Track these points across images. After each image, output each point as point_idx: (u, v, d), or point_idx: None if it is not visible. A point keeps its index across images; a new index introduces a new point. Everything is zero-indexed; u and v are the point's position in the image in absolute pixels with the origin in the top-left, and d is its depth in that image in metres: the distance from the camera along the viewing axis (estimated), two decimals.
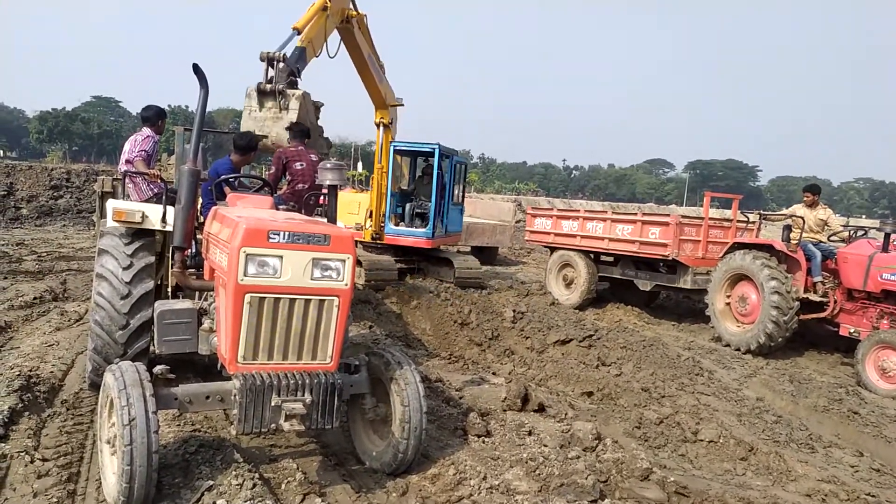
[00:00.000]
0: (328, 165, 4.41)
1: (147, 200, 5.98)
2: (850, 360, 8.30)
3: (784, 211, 10.20)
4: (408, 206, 12.06)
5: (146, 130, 6.48)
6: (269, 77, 7.36)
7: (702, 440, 5.30)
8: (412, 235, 11.39)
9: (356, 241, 11.09)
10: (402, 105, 11.20)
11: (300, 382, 3.60)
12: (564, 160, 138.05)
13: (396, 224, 11.52)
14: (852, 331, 8.38)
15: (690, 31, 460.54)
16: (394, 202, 11.48)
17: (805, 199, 9.43)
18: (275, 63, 7.35)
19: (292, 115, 7.21)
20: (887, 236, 8.48)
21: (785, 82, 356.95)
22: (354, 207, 11.98)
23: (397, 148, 11.40)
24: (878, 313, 8.16)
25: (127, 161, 6.28)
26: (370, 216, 11.33)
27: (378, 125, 10.69)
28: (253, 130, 6.90)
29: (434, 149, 11.28)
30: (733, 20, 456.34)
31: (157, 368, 3.62)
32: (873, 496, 4.55)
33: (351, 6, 9.09)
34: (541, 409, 5.56)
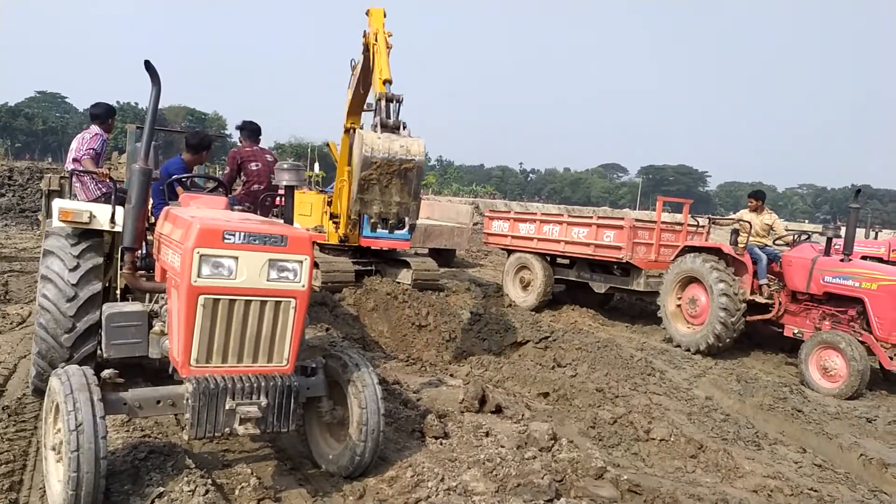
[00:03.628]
0: (285, 166, 4.37)
1: (95, 200, 5.81)
2: (793, 359, 8.59)
3: (732, 216, 10.50)
4: None
5: (95, 128, 6.31)
6: (388, 114, 7.07)
7: (654, 439, 5.41)
8: (390, 238, 11.47)
9: (315, 244, 11.03)
10: (372, 110, 11.16)
11: (255, 385, 3.55)
12: (521, 163, 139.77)
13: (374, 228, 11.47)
14: (796, 332, 8.67)
15: (643, 39, 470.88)
16: None
17: (749, 204, 9.73)
18: (394, 103, 7.12)
19: (404, 140, 6.81)
20: (829, 241, 8.80)
21: (733, 91, 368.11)
22: (307, 209, 11.85)
23: None
24: (820, 315, 8.48)
25: (74, 159, 6.10)
26: (331, 218, 11.26)
27: (348, 130, 10.58)
28: (374, 149, 6.49)
29: None
30: (683, 30, 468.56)
31: (105, 372, 3.53)
32: (815, 491, 4.72)
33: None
34: (498, 410, 5.60)
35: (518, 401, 6.15)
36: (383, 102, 7.11)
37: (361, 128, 10.80)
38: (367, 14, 8.44)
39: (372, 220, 6.73)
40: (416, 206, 6.99)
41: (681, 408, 6.46)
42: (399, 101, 7.22)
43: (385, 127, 6.94)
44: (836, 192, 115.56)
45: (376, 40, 7.90)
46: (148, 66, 3.89)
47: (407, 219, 6.87)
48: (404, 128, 7.00)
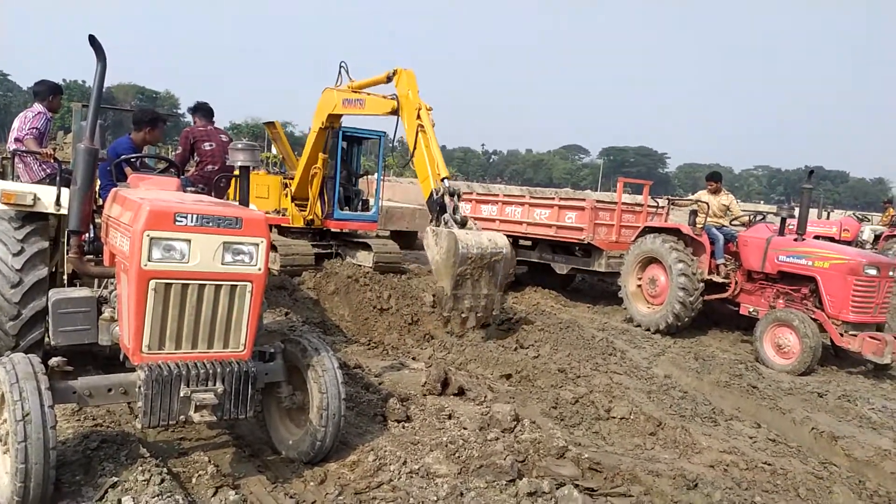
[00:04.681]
0: (239, 146, 4.25)
1: (39, 181, 5.59)
2: (749, 337, 8.80)
3: (690, 197, 10.66)
4: (339, 189, 11.97)
5: (38, 106, 6.06)
6: (453, 209, 7.51)
7: (614, 417, 5.48)
8: (358, 219, 11.55)
9: (276, 227, 10.87)
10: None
11: (211, 371, 3.47)
12: (483, 145, 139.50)
13: (342, 208, 11.47)
14: (751, 310, 8.88)
15: (602, 22, 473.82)
16: (331, 186, 11.34)
17: (709, 187, 9.89)
18: (456, 197, 7.61)
19: (488, 233, 7.48)
20: (783, 221, 9.01)
21: (692, 74, 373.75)
22: (264, 191, 11.68)
23: (346, 134, 11.33)
24: (774, 293, 8.68)
25: (16, 139, 5.86)
26: (293, 201, 11.14)
27: (326, 128, 10.46)
28: (469, 245, 7.01)
29: (380, 136, 11.72)
30: (643, 13, 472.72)
31: (53, 360, 3.40)
32: (769, 464, 4.84)
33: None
34: (460, 392, 5.60)
35: (481, 383, 6.16)
36: (447, 198, 7.15)
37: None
38: (394, 74, 8.26)
39: (464, 316, 7.30)
40: (501, 297, 7.64)
41: (641, 386, 6.55)
42: (460, 195, 7.55)
43: (455, 223, 7.30)
44: (790, 173, 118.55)
45: (419, 118, 7.81)
46: (92, 40, 3.71)
47: (494, 311, 7.57)
48: (473, 222, 7.55)
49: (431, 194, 7.57)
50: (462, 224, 7.34)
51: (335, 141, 11.09)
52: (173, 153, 7.35)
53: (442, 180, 7.52)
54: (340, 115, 10.02)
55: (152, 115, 5.73)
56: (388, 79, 8.49)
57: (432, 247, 7.32)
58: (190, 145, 6.83)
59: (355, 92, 9.26)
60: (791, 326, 7.83)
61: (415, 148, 7.84)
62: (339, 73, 9.57)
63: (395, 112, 8.27)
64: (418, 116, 7.81)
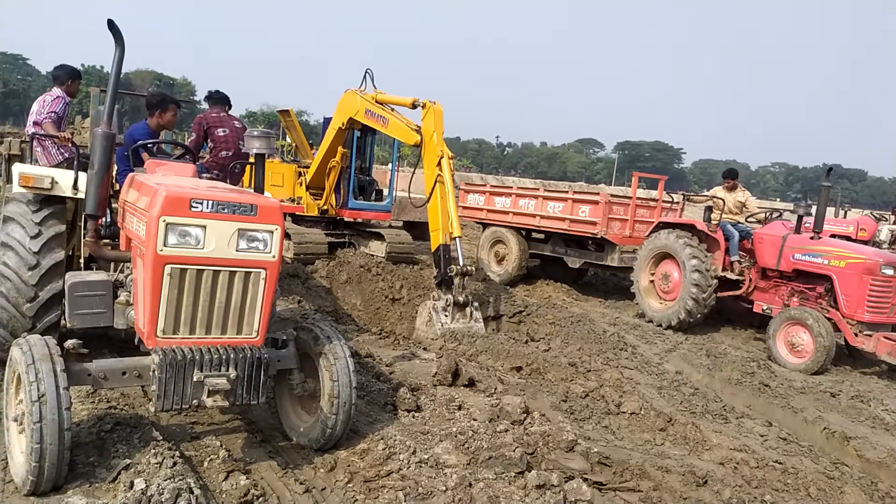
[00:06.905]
0: (255, 133, 4.26)
1: (57, 165, 5.64)
2: (762, 335, 8.74)
3: (706, 193, 10.57)
4: (353, 179, 11.98)
5: (56, 90, 6.10)
6: (460, 289, 7.55)
7: (624, 412, 5.47)
8: (372, 209, 11.58)
9: (290, 215, 10.91)
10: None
11: (224, 357, 3.48)
12: (498, 137, 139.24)
13: (356, 198, 11.49)
14: (765, 308, 8.81)
15: (620, 17, 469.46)
16: (346, 176, 11.35)
17: (725, 183, 9.80)
18: (467, 277, 7.63)
19: (480, 325, 7.55)
20: (800, 218, 8.92)
21: (710, 70, 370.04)
22: (279, 179, 11.70)
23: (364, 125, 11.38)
24: (789, 291, 8.61)
25: (35, 123, 5.91)
26: (308, 189, 11.18)
27: (344, 130, 10.46)
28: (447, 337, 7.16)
29: None
30: (660, 9, 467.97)
31: (69, 342, 3.44)
32: (780, 463, 4.81)
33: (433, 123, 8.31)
34: (471, 383, 5.60)
35: (491, 374, 6.16)
36: (457, 279, 7.50)
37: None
38: (422, 106, 8.25)
39: None
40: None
41: (651, 382, 6.53)
42: (470, 275, 7.71)
43: (457, 304, 7.46)
44: (807, 170, 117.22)
45: (439, 165, 7.81)
46: (111, 25, 3.72)
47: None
48: (472, 304, 7.60)
49: (439, 248, 7.63)
50: (463, 306, 7.47)
51: (350, 132, 11.10)
52: (188, 139, 7.36)
53: (453, 239, 7.60)
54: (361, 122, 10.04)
55: (161, 98, 5.68)
56: (414, 106, 8.45)
57: (422, 322, 7.52)
58: (203, 131, 6.86)
59: (379, 105, 9.24)
60: (805, 325, 7.76)
61: (430, 195, 7.88)
62: (364, 78, 9.52)
63: (418, 145, 8.30)
64: (439, 164, 7.82)
